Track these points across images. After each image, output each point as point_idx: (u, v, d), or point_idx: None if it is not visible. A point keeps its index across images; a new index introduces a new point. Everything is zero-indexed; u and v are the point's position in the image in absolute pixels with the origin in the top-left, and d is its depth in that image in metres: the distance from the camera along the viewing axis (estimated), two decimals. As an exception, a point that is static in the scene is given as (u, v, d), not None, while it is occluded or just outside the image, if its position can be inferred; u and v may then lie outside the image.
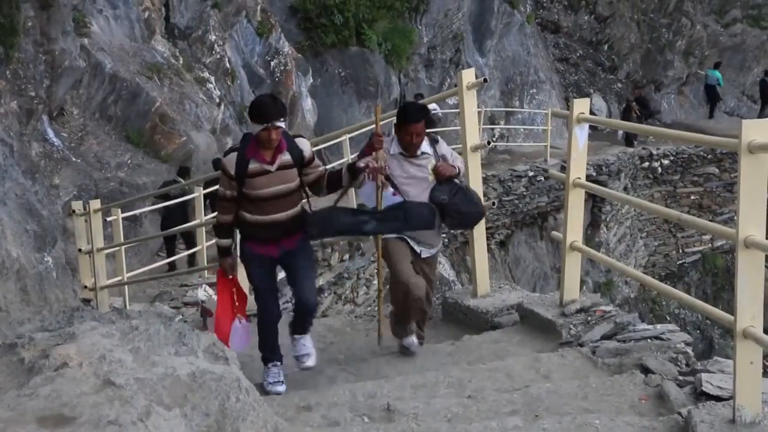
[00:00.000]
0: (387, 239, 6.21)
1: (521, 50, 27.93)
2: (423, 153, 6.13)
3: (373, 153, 5.86)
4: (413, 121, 6.00)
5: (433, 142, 6.26)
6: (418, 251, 6.31)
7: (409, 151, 6.09)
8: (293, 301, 5.94)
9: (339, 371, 6.17)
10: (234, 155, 5.51)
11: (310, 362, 5.92)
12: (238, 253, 6.06)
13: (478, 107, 8.37)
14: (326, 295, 12.84)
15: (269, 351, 5.92)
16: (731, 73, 34.94)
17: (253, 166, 5.45)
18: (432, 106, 30.38)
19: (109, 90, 14.24)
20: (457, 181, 6.19)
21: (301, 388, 5.68)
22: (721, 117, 33.50)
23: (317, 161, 5.80)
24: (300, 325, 5.92)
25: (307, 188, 5.79)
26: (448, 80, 24.05)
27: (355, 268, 13.63)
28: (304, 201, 5.80)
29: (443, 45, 24.43)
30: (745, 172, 4.15)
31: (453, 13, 24.48)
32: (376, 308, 6.23)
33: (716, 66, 33.36)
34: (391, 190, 5.99)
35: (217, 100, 16.38)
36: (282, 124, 5.39)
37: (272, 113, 5.31)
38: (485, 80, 7.21)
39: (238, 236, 6.11)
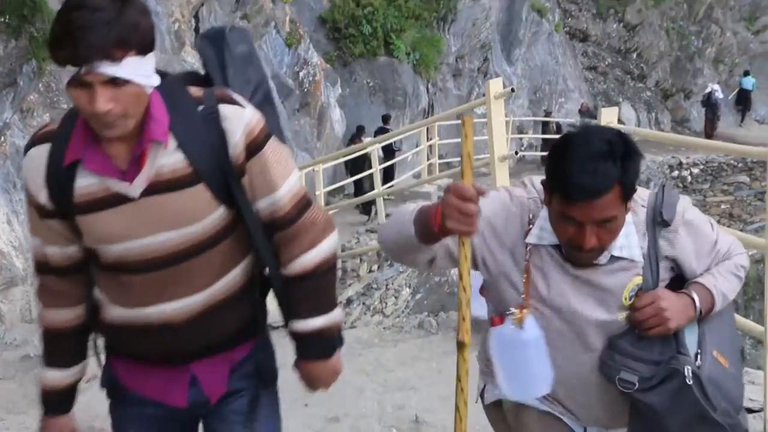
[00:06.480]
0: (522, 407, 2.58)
1: (549, 59, 27.87)
2: (615, 258, 2.34)
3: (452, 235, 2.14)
4: (582, 199, 2.16)
5: (657, 224, 2.37)
6: None
7: (578, 257, 2.32)
8: None
9: (367, 382, 6.18)
10: (42, 151, 2.15)
11: None
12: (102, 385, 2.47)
13: (506, 116, 8.36)
14: (355, 306, 12.86)
15: None
16: (762, 81, 34.59)
17: (85, 182, 2.11)
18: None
19: (140, 101, 14.37)
20: (689, 338, 2.35)
21: (329, 399, 5.69)
22: (751, 125, 33.25)
23: (290, 184, 2.26)
24: None
25: (260, 242, 2.29)
26: (477, 89, 24.03)
27: (383, 279, 13.64)
28: (243, 263, 2.32)
29: (471, 54, 24.42)
30: (774, 183, 4.14)
31: (481, 23, 24.47)
32: None
33: (745, 74, 33.20)
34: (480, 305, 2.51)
35: (246, 111, 16.49)
36: (127, 72, 1.96)
37: (86, 35, 1.89)
38: (513, 90, 7.20)
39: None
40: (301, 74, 18.77)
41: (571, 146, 2.20)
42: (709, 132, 28.11)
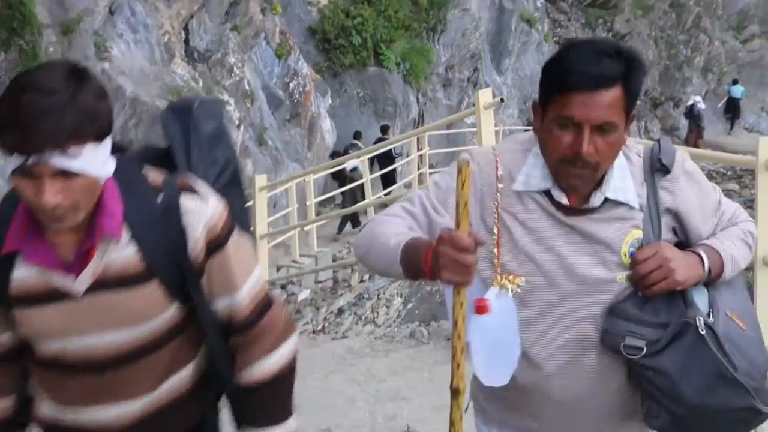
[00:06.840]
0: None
1: (539, 68, 27.74)
2: (609, 201, 2.08)
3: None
4: (584, 87, 1.92)
5: (656, 171, 2.11)
6: None
7: (572, 174, 2.01)
8: None
9: (358, 392, 6.18)
10: None
11: None
12: None
13: (497, 126, 8.38)
14: (346, 315, 12.85)
15: None
16: (750, 89, 34.76)
17: (23, 273, 1.90)
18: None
19: (130, 113, 14.34)
20: (698, 298, 2.06)
21: (321, 410, 5.69)
22: (740, 133, 33.38)
23: (252, 289, 2.08)
24: None
25: (214, 343, 2.10)
26: (467, 99, 24.07)
27: (375, 289, 13.64)
28: (192, 363, 2.12)
29: (461, 64, 24.46)
30: (763, 190, 4.15)
31: (470, 33, 24.53)
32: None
33: (734, 83, 33.35)
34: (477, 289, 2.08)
35: (237, 122, 16.47)
36: (81, 164, 1.72)
37: (38, 123, 1.67)
38: (502, 100, 7.19)
39: None
40: (291, 85, 18.79)
41: (573, 46, 2.01)
42: (694, 144, 28.19)
